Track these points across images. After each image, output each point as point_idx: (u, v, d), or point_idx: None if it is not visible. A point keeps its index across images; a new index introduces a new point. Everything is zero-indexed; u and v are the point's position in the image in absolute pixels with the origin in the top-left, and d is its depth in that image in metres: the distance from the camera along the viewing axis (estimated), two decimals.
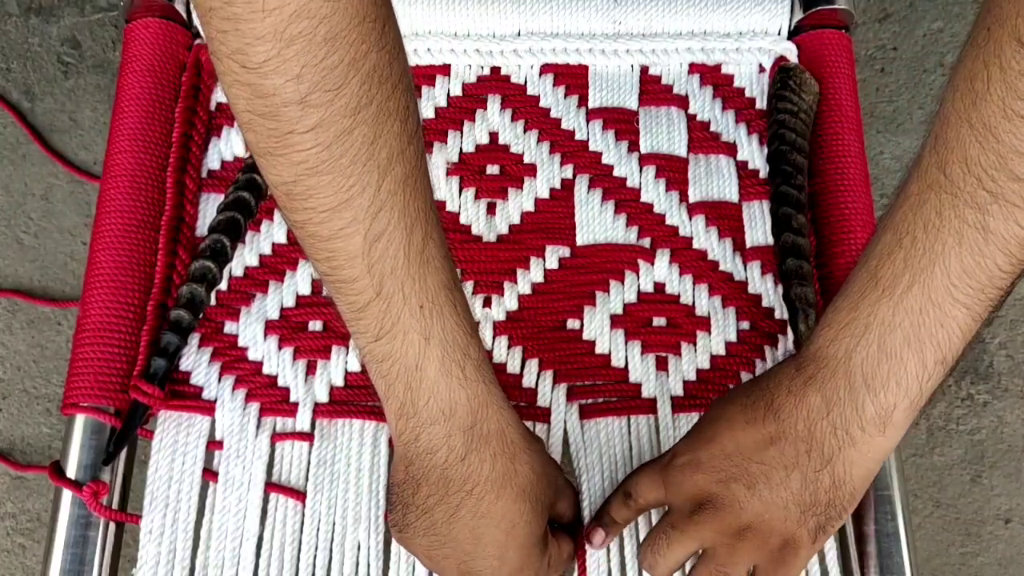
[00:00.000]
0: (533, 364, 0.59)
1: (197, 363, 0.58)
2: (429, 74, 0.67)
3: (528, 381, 0.59)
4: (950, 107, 0.41)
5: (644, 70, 0.68)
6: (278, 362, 0.59)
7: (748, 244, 0.63)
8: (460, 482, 0.47)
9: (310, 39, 0.36)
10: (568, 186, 0.64)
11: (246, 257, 0.61)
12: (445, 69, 0.68)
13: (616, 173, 0.65)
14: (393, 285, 0.43)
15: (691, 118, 0.67)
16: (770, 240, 0.62)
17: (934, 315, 0.43)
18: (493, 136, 0.66)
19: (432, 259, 0.44)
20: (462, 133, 0.66)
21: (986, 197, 0.40)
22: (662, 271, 0.62)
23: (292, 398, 0.58)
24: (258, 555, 0.55)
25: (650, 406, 0.58)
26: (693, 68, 0.68)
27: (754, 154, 0.66)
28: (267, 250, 0.62)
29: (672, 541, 0.49)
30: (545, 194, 0.64)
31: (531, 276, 0.62)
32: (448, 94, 0.67)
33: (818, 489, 0.46)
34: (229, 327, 0.59)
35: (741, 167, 0.65)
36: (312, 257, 0.44)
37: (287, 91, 0.37)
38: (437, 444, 0.46)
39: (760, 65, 0.68)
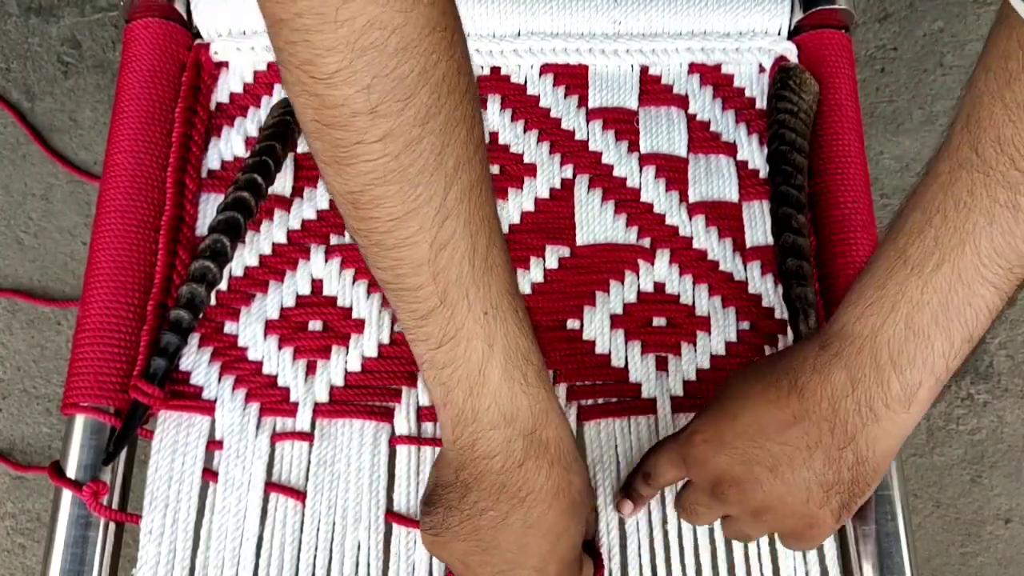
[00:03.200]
0: None
1: (197, 363, 0.58)
2: None
3: None
4: (983, 86, 0.41)
5: (644, 70, 0.68)
6: (278, 362, 0.59)
7: (748, 244, 0.63)
8: (515, 489, 0.46)
9: (382, 49, 0.36)
10: (568, 186, 0.64)
11: (246, 257, 0.61)
12: None
13: (616, 173, 0.65)
14: (458, 292, 0.43)
15: (691, 118, 0.67)
16: (770, 240, 0.62)
17: (963, 294, 0.43)
18: (493, 136, 0.66)
19: (496, 266, 0.43)
20: None
21: (1018, 176, 0.41)
22: (662, 271, 0.62)
23: (292, 398, 0.58)
24: (258, 555, 0.55)
25: (650, 406, 0.58)
26: (693, 68, 0.68)
27: (754, 154, 0.66)
28: (267, 250, 0.62)
29: (699, 515, 0.51)
30: (545, 194, 0.64)
31: (531, 276, 0.62)
32: None
33: (841, 467, 0.46)
34: (229, 327, 0.59)
35: (741, 167, 0.65)
36: (374, 266, 0.43)
37: (357, 101, 0.37)
38: (495, 449, 0.46)
39: (760, 65, 0.68)
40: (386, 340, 0.59)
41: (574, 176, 0.65)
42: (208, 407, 0.57)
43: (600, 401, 0.59)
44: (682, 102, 0.67)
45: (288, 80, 0.38)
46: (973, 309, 0.44)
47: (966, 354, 0.45)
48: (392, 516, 0.56)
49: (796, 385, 0.47)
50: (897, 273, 0.45)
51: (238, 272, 0.61)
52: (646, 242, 0.63)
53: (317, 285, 0.61)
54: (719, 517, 0.52)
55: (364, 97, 0.36)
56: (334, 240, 0.62)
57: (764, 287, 0.62)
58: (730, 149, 0.66)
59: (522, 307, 0.46)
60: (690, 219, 0.63)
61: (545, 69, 0.68)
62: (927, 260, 0.44)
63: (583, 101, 0.67)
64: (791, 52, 0.68)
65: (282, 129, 0.62)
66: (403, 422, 0.57)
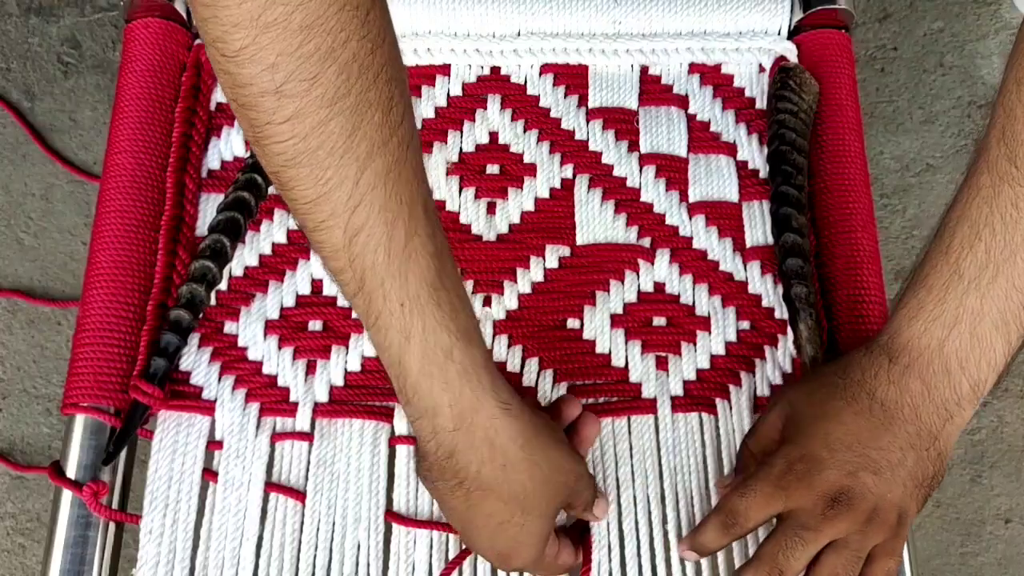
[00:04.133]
0: (533, 363, 0.59)
1: (197, 363, 0.58)
2: (429, 74, 0.67)
3: (528, 380, 0.59)
4: (1015, 99, 0.44)
5: (644, 70, 0.68)
6: (278, 362, 0.59)
7: (748, 244, 0.63)
8: (451, 473, 0.47)
9: (285, 26, 0.35)
10: (568, 186, 0.64)
11: (246, 257, 0.61)
12: (445, 69, 0.68)
13: (616, 173, 0.65)
14: (374, 281, 0.42)
15: (691, 118, 0.67)
16: (770, 240, 0.62)
17: (1017, 299, 0.48)
18: (493, 136, 0.66)
19: (416, 256, 0.43)
20: (462, 133, 0.66)
21: None
22: (662, 271, 0.62)
23: (292, 398, 0.58)
24: (258, 555, 0.55)
25: (650, 406, 0.58)
26: (693, 68, 0.68)
27: (754, 154, 0.66)
28: (267, 250, 0.62)
29: (807, 542, 0.49)
30: (545, 194, 0.64)
31: (531, 275, 0.62)
32: (448, 94, 0.67)
33: (927, 463, 0.50)
34: (229, 327, 0.59)
35: (741, 167, 0.65)
36: (310, 242, 0.44)
37: (263, 80, 0.36)
38: (426, 436, 0.47)
39: (760, 65, 0.68)
40: None
41: (574, 176, 0.65)
42: (208, 407, 0.57)
43: (600, 400, 0.59)
44: (682, 102, 0.67)
45: (210, 58, 0.38)
46: None
47: (1019, 345, 0.49)
48: (392, 516, 0.56)
49: (876, 398, 0.50)
50: (955, 287, 0.49)
51: (238, 272, 0.61)
52: (646, 242, 0.63)
53: (317, 285, 0.61)
54: (821, 546, 0.50)
55: (269, 76, 0.36)
56: None
57: (764, 287, 0.62)
58: (730, 149, 0.66)
59: (448, 301, 0.44)
60: (690, 219, 0.63)
61: (545, 69, 0.68)
62: (982, 273, 0.48)
63: (583, 101, 0.67)
64: (791, 52, 0.68)
65: None
66: (403, 422, 0.57)
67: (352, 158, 0.39)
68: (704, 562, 0.55)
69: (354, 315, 0.60)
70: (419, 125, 0.66)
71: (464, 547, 0.55)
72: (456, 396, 0.45)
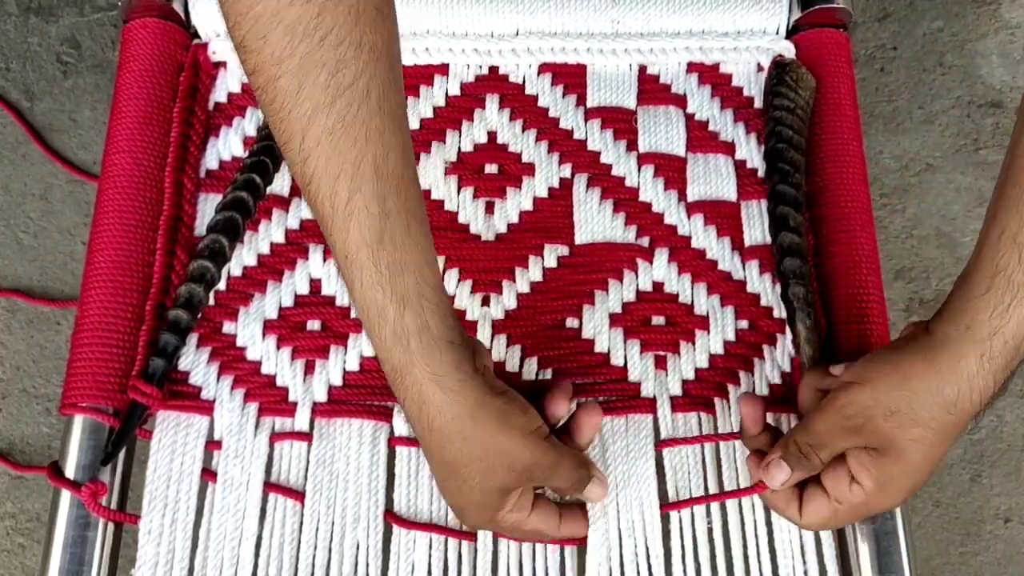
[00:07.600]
0: (532, 362, 0.59)
1: (196, 363, 0.58)
2: (427, 74, 0.67)
3: (527, 379, 0.59)
4: None
5: (642, 69, 0.68)
6: (276, 362, 0.59)
7: (746, 243, 0.63)
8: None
9: None
10: (566, 185, 0.64)
11: (244, 257, 0.61)
12: (443, 69, 0.68)
13: (614, 172, 0.65)
14: (325, 229, 0.45)
15: (689, 117, 0.67)
16: (768, 239, 0.62)
17: None
18: (491, 135, 0.66)
19: (357, 214, 0.44)
20: (460, 132, 0.66)
21: None
22: (661, 270, 0.62)
23: (291, 398, 0.58)
24: (257, 555, 0.55)
25: (649, 405, 0.58)
26: (691, 67, 0.68)
27: (752, 153, 0.66)
28: (265, 250, 0.62)
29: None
30: (543, 193, 0.64)
31: (530, 275, 0.62)
32: (446, 94, 0.67)
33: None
34: (228, 327, 0.59)
35: (739, 166, 0.65)
36: None
37: (233, 33, 0.42)
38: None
39: (758, 64, 0.68)
40: None
41: (572, 175, 0.65)
42: (207, 407, 0.57)
43: (599, 399, 0.58)
44: (680, 101, 0.67)
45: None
46: None
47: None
48: (391, 516, 0.56)
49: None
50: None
51: (236, 272, 0.61)
52: (645, 241, 0.63)
53: (315, 285, 0.61)
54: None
55: (234, 31, 0.42)
56: None
57: (763, 286, 0.62)
58: (728, 148, 0.66)
59: (389, 261, 0.45)
60: (688, 218, 0.63)
61: (543, 68, 0.68)
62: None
63: (581, 100, 0.67)
64: (789, 51, 0.68)
65: None
66: (402, 422, 0.57)
67: (299, 114, 0.42)
68: (704, 562, 0.55)
69: (353, 314, 0.60)
70: (417, 125, 0.66)
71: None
72: (388, 354, 0.47)
